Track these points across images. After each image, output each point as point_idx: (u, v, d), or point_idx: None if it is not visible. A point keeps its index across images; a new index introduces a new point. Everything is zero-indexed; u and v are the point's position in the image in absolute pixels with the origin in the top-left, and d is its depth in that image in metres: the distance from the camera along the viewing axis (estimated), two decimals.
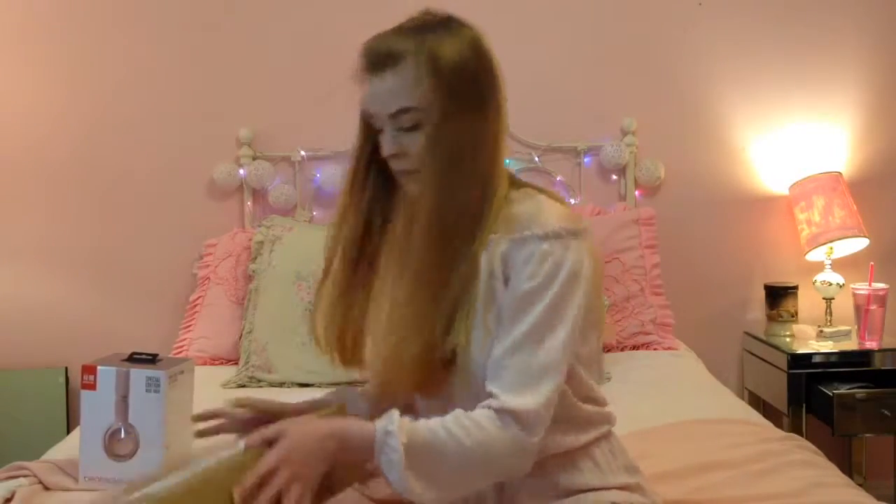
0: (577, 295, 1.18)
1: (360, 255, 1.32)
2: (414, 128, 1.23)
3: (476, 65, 1.25)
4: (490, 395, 1.16)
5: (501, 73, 1.28)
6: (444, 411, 1.18)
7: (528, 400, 1.14)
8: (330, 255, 1.34)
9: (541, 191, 1.29)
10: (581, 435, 1.26)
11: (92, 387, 1.56)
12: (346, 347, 1.33)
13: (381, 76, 1.24)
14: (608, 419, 1.32)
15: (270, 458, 1.12)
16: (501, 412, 1.14)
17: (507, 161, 3.22)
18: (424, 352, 1.18)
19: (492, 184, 1.24)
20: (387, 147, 1.24)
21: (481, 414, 1.15)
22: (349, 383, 2.37)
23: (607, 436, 1.31)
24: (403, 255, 1.26)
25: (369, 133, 1.29)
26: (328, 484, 1.24)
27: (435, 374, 1.21)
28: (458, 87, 1.22)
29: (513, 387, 1.15)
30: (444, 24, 1.27)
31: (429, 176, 1.22)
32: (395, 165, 1.26)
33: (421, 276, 1.20)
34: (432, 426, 1.15)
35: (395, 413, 1.15)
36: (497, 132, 1.27)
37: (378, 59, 1.25)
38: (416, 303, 1.20)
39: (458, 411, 1.16)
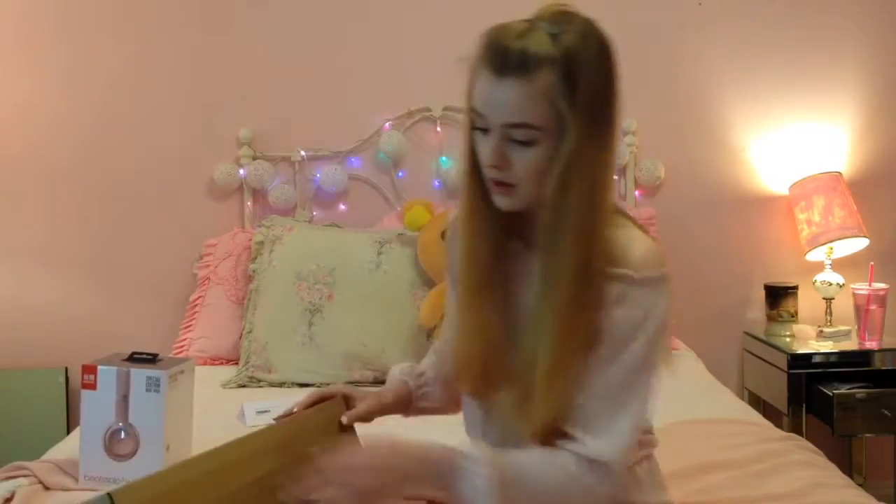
0: (661, 342, 1.15)
1: (492, 267, 1.21)
2: (526, 143, 1.11)
3: (613, 83, 1.13)
4: (571, 435, 1.13)
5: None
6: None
7: (613, 450, 1.12)
8: (462, 271, 1.23)
9: (629, 218, 1.21)
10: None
11: (92, 386, 1.56)
12: (492, 372, 1.23)
13: (506, 81, 1.09)
14: (653, 443, 1.32)
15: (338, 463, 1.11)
16: (588, 461, 1.12)
17: None
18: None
19: (610, 210, 1.15)
20: (488, 155, 1.14)
21: (567, 459, 1.12)
22: (352, 383, 2.40)
23: (649, 457, 1.31)
24: (528, 274, 1.19)
25: (474, 127, 1.17)
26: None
27: None
28: (595, 111, 1.11)
29: (599, 434, 1.12)
30: (583, 30, 1.12)
31: (566, 212, 1.11)
32: (489, 174, 1.15)
33: (567, 323, 1.12)
34: (519, 461, 1.13)
35: (481, 443, 1.15)
36: (616, 155, 1.16)
37: (507, 60, 1.09)
38: (564, 353, 1.12)
39: (542, 450, 1.14)
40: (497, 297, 1.21)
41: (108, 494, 1.04)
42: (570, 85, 1.09)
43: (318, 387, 2.25)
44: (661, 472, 1.32)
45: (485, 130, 1.14)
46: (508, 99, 1.10)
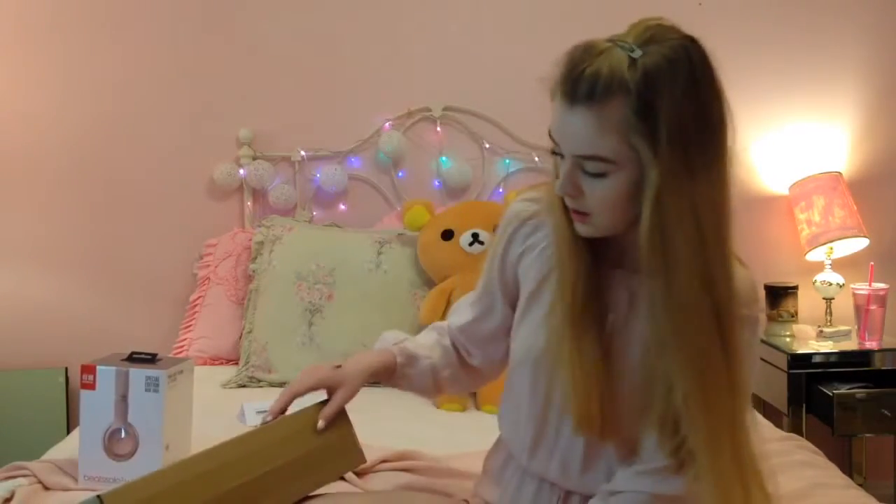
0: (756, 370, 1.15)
1: (587, 294, 1.16)
2: (598, 175, 1.06)
3: (707, 111, 1.06)
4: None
5: (730, 112, 1.10)
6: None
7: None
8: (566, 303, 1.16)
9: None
10: None
11: (91, 386, 1.56)
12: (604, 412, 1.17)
13: (576, 110, 1.03)
14: None
15: None
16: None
17: (507, 162, 3.20)
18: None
19: (732, 252, 1.09)
20: (561, 184, 1.09)
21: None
22: None
23: None
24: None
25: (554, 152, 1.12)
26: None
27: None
28: (683, 143, 1.02)
29: None
30: (670, 52, 1.03)
31: (679, 261, 1.04)
32: (567, 202, 1.12)
33: (696, 372, 1.06)
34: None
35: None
36: (730, 186, 1.09)
37: (577, 86, 1.02)
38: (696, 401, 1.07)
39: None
40: (594, 326, 1.15)
41: (98, 497, 1.04)
42: (647, 116, 1.00)
43: None
44: None
45: (562, 156, 1.10)
46: (578, 129, 1.04)
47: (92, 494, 1.06)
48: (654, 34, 1.04)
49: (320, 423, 1.27)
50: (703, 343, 1.06)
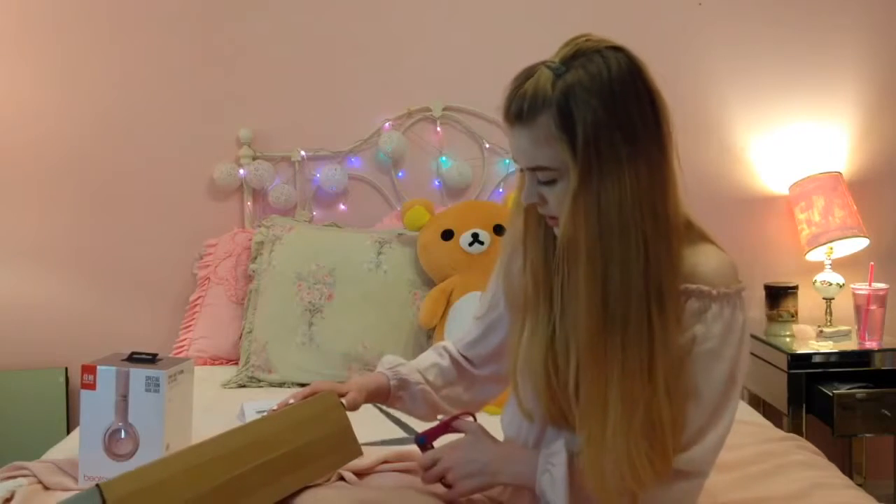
0: (745, 356, 1.17)
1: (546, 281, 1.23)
2: (550, 182, 1.15)
3: (621, 114, 1.10)
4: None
5: (667, 111, 1.16)
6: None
7: (698, 463, 1.14)
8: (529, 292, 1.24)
9: (703, 237, 1.23)
10: None
11: (92, 386, 1.56)
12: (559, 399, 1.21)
13: (515, 129, 1.14)
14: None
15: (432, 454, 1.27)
16: (674, 471, 1.13)
17: (507, 162, 3.19)
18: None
19: (667, 239, 1.14)
20: (525, 195, 1.19)
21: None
22: None
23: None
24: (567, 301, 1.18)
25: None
26: None
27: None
28: (599, 148, 1.08)
29: (686, 448, 1.13)
30: (592, 66, 1.10)
31: (581, 250, 1.11)
32: (539, 209, 1.21)
33: (593, 357, 1.12)
34: None
35: (561, 441, 1.20)
36: (663, 180, 1.15)
37: (509, 109, 1.13)
38: (600, 384, 1.12)
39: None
40: (548, 324, 1.21)
41: (97, 486, 1.05)
42: (568, 127, 1.09)
43: None
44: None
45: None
46: (520, 145, 1.14)
47: (90, 485, 1.07)
48: (580, 49, 1.12)
49: (348, 406, 1.37)
50: (586, 335, 1.12)
